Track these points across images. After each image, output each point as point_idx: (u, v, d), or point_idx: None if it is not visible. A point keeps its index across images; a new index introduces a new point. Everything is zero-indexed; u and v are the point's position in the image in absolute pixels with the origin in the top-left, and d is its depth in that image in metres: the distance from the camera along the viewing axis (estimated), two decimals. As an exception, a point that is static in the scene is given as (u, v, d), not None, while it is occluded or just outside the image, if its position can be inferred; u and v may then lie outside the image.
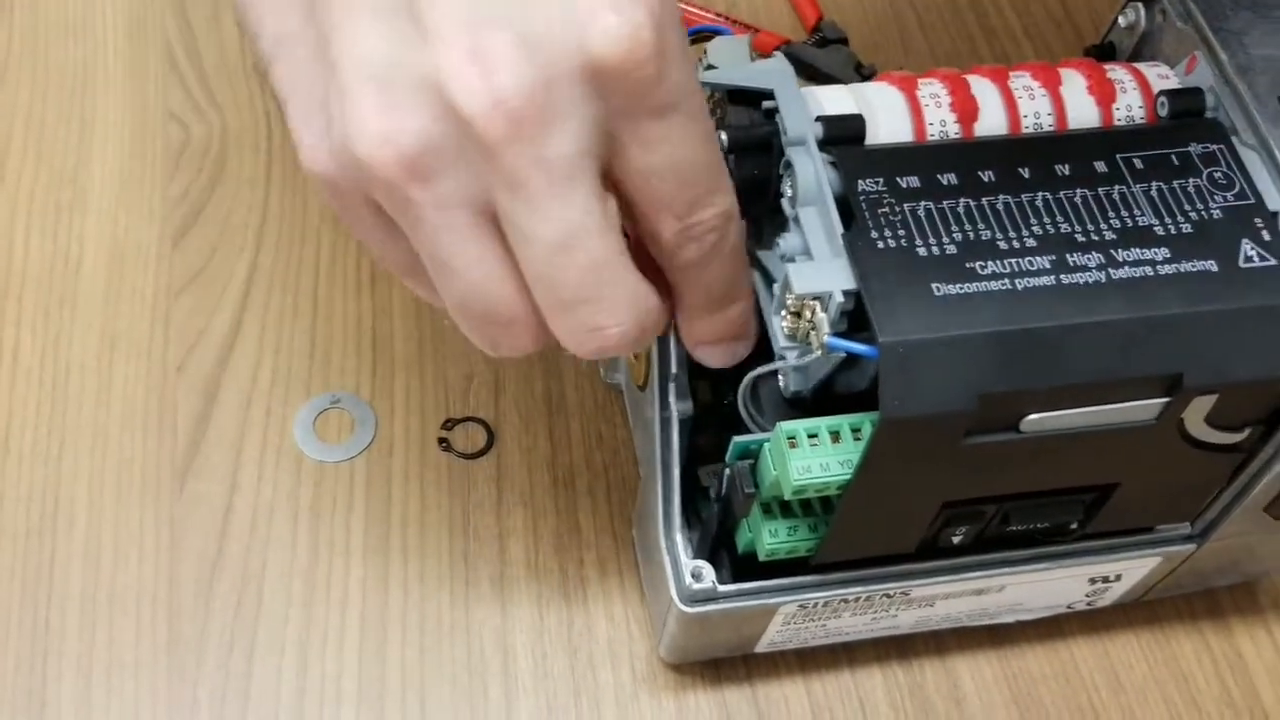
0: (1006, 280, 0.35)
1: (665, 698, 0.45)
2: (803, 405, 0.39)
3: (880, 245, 0.35)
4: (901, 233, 0.35)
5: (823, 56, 0.58)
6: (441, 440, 0.48)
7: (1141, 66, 0.40)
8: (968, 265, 0.35)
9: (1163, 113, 0.39)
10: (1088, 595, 0.45)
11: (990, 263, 0.35)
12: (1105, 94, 0.39)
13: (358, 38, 0.31)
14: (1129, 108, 0.39)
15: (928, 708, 0.45)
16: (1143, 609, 0.47)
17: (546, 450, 0.49)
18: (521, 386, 0.50)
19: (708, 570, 0.40)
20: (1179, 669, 0.47)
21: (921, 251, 0.35)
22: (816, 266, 0.35)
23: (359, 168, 0.31)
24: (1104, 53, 0.44)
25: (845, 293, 0.35)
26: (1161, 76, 0.40)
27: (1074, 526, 0.41)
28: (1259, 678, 0.47)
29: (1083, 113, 0.39)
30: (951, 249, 0.35)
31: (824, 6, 0.61)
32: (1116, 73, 0.40)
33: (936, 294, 0.34)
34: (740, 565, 0.41)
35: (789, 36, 0.60)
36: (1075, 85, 0.39)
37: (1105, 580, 0.44)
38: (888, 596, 0.42)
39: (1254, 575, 0.48)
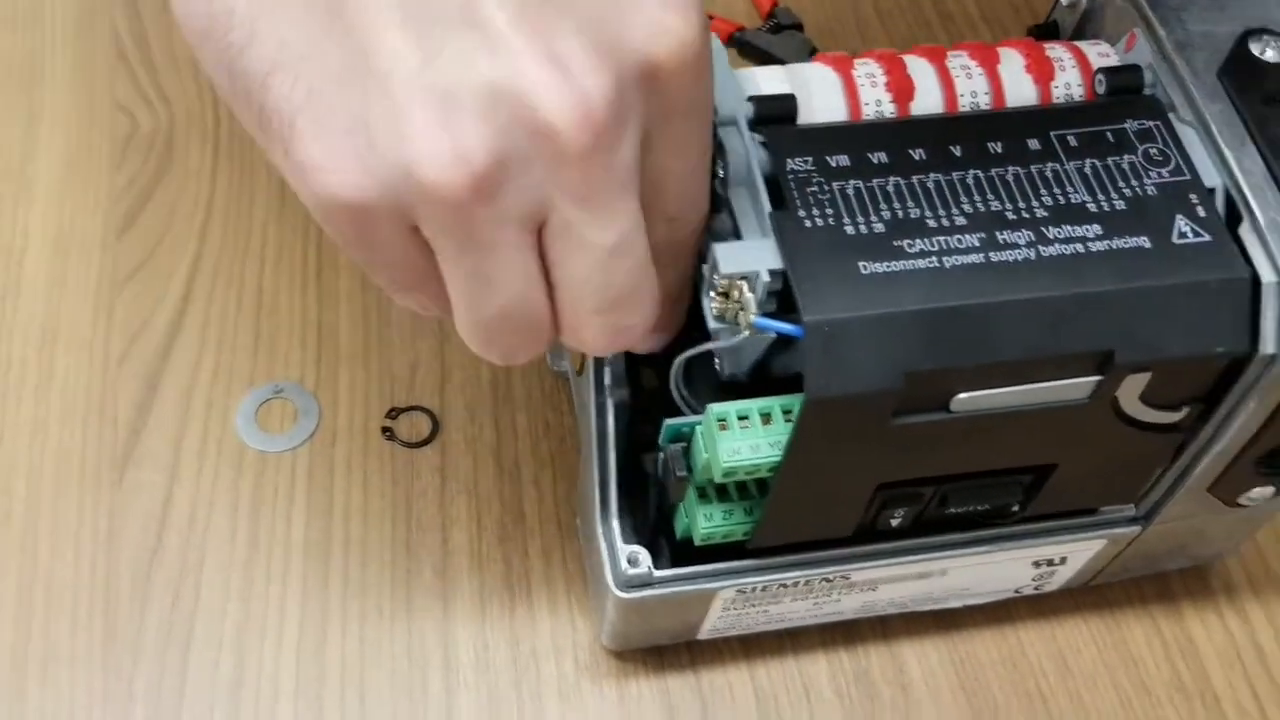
0: (934, 258, 0.34)
1: (608, 686, 0.44)
2: (740, 388, 0.39)
3: (808, 224, 0.34)
4: (830, 212, 0.35)
5: (777, 43, 0.58)
6: (385, 429, 0.48)
7: (1082, 45, 0.40)
8: (895, 244, 0.34)
9: (1100, 90, 0.39)
10: (1034, 579, 0.45)
11: (918, 241, 0.34)
12: (1044, 72, 0.39)
13: (406, 49, 0.28)
14: (1068, 86, 0.39)
15: (873, 693, 0.45)
16: (1092, 593, 0.47)
17: (492, 439, 0.48)
18: (468, 375, 0.50)
19: (644, 556, 0.40)
20: (1129, 653, 0.47)
21: (849, 230, 0.34)
22: (743, 246, 0.35)
23: (416, 191, 0.29)
24: (1047, 32, 0.43)
25: (772, 272, 0.34)
26: (1101, 55, 0.40)
27: (1014, 509, 0.41)
28: (1210, 661, 0.47)
29: (1021, 91, 0.39)
30: (880, 227, 0.35)
31: (779, -7, 0.61)
32: (1055, 51, 0.40)
33: (863, 272, 0.34)
34: (680, 551, 0.41)
35: (743, 23, 0.59)
36: (1013, 64, 0.39)
37: (1050, 564, 0.44)
38: (827, 581, 0.41)
39: (1205, 559, 0.48)
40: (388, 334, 0.50)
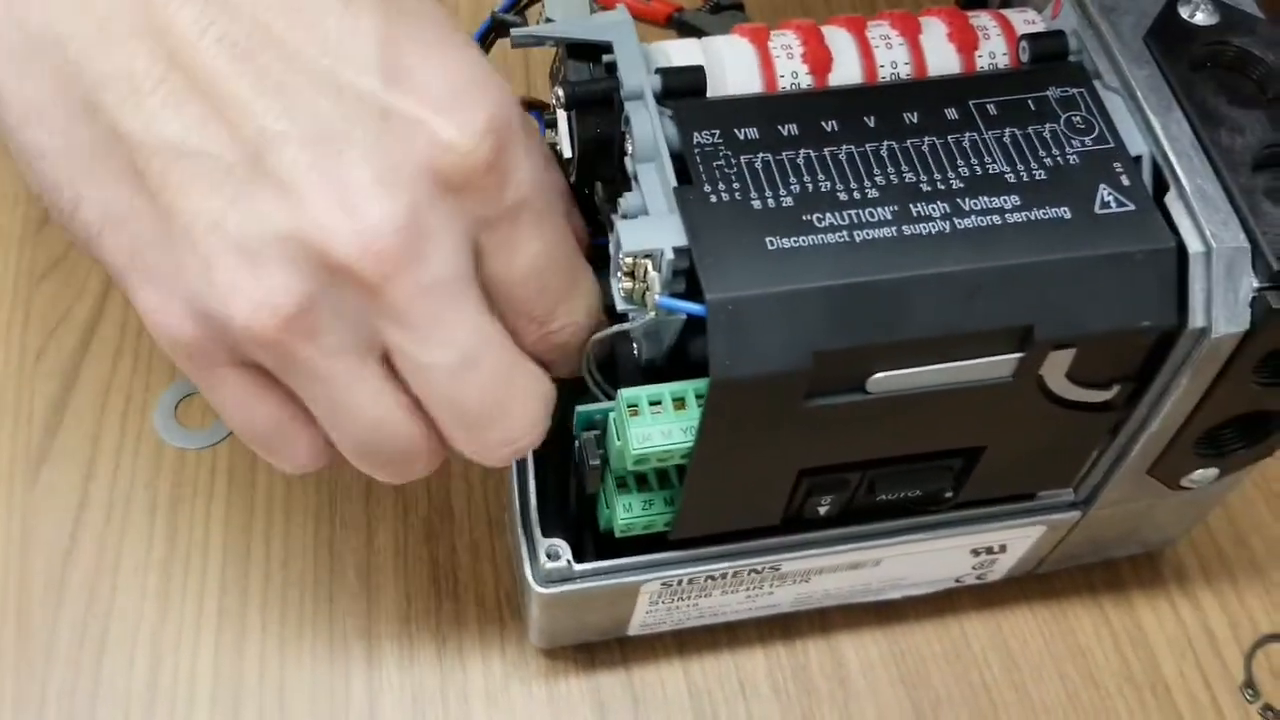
0: (845, 232, 0.33)
1: (536, 685, 0.43)
2: (661, 374, 0.37)
3: (713, 199, 0.33)
4: (736, 186, 0.33)
5: (716, 24, 0.56)
6: (310, 424, 0.47)
7: (1008, 12, 0.39)
8: (804, 218, 0.33)
9: (1024, 58, 0.37)
10: (975, 568, 0.43)
11: (828, 214, 0.33)
12: (967, 41, 0.38)
13: (205, 205, 0.30)
14: (992, 55, 0.38)
15: (810, 688, 0.43)
16: (1038, 582, 0.46)
17: (419, 432, 0.47)
18: (395, 367, 0.48)
19: (564, 549, 0.38)
20: (1076, 643, 0.45)
21: (756, 205, 0.33)
22: (647, 223, 0.33)
23: (234, 333, 0.30)
24: (975, 1, 0.42)
25: (676, 250, 0.33)
26: (1028, 22, 0.38)
27: (947, 495, 0.39)
28: (1160, 650, 0.45)
29: (943, 61, 0.37)
30: (789, 201, 0.33)
31: (722, -26, 0.60)
32: (980, 19, 0.38)
33: (770, 248, 0.32)
34: (605, 545, 0.40)
35: (681, 3, 0.58)
36: (935, 33, 0.38)
37: (990, 552, 0.42)
38: (756, 572, 0.40)
39: (1155, 545, 0.46)
40: (313, 326, 0.49)
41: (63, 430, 0.46)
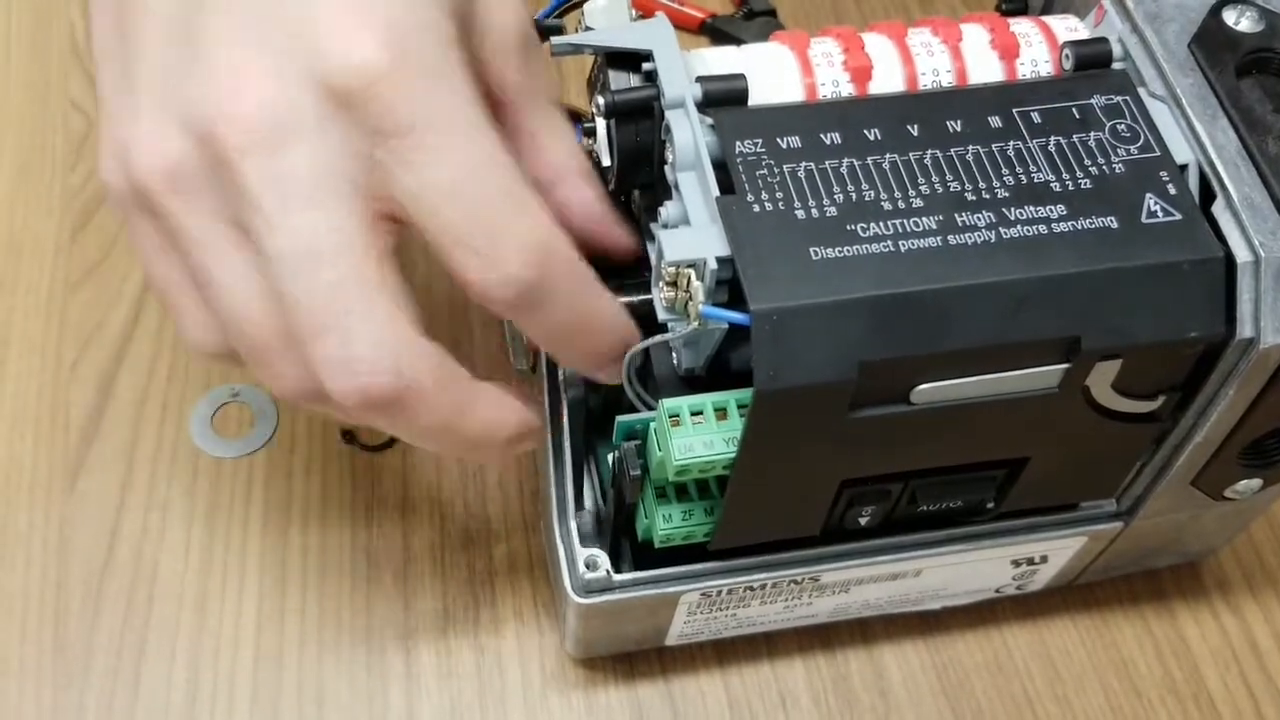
0: (889, 242, 0.32)
1: (575, 696, 0.43)
2: (700, 384, 0.37)
3: (756, 209, 0.33)
4: (779, 195, 0.33)
5: (749, 30, 0.56)
6: (345, 433, 0.47)
7: (1049, 19, 0.38)
8: (849, 228, 0.33)
9: (1067, 65, 0.37)
10: (1015, 579, 0.43)
11: (873, 224, 0.33)
12: (1009, 48, 0.37)
13: (150, 61, 0.33)
14: (1034, 62, 0.37)
15: (851, 699, 0.43)
16: (1080, 593, 0.45)
17: (455, 441, 0.47)
18: (431, 375, 0.48)
19: (603, 559, 0.38)
20: (1119, 655, 0.45)
21: (800, 214, 0.33)
22: (690, 233, 0.33)
23: (134, 181, 0.33)
24: (1016, 9, 0.42)
25: (719, 260, 0.32)
26: (1070, 29, 0.38)
27: (988, 506, 0.39)
28: (1204, 662, 0.45)
29: (985, 68, 0.37)
30: (832, 211, 0.33)
31: (755, -20, 0.60)
32: (1021, 26, 0.38)
33: (814, 258, 0.32)
34: (643, 555, 0.39)
35: (715, 10, 0.58)
36: (977, 41, 0.37)
37: (1031, 562, 0.42)
38: (795, 583, 0.40)
39: (1197, 555, 0.46)
40: (349, 334, 0.49)
41: (99, 439, 0.46)
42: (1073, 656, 0.45)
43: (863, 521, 0.38)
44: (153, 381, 0.47)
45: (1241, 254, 0.33)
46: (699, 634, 0.42)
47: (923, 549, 0.40)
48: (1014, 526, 0.40)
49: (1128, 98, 0.35)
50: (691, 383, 0.37)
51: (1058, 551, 0.42)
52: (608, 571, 0.38)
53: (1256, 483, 0.39)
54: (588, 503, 0.41)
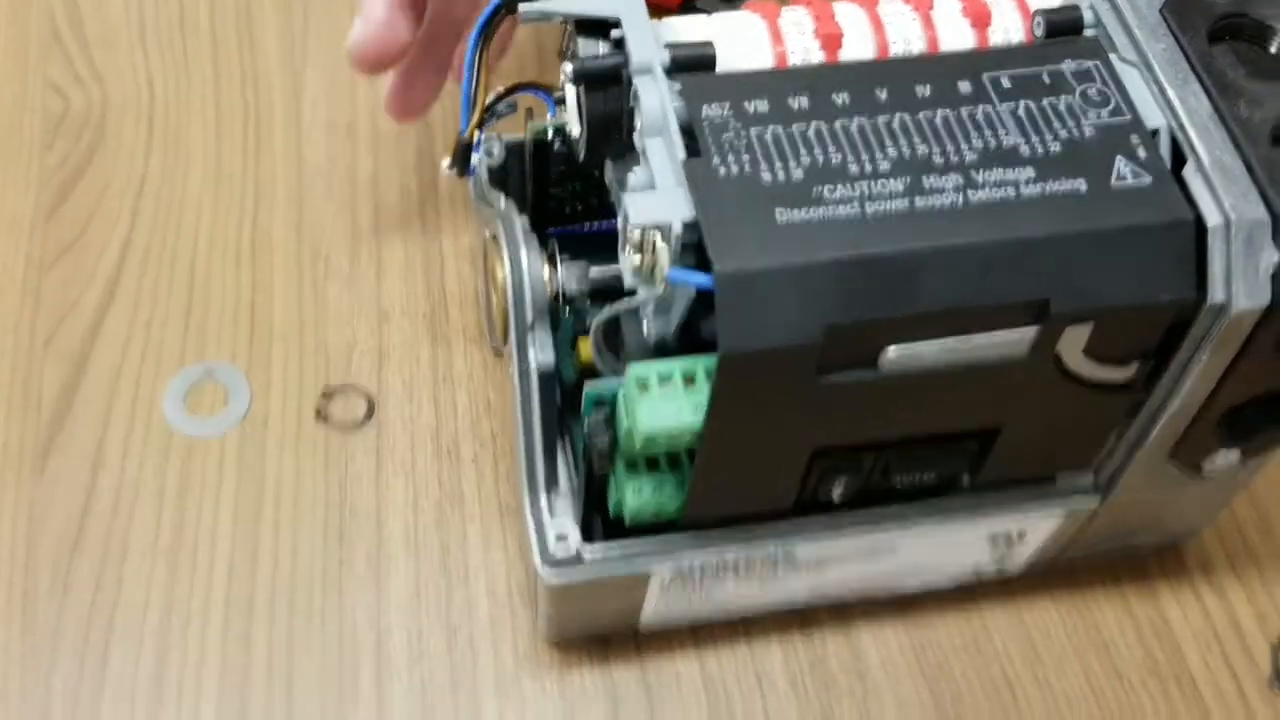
0: (855, 205, 0.32)
1: (548, 678, 0.42)
2: (671, 354, 0.37)
3: (722, 172, 0.33)
4: (746, 158, 0.33)
5: (726, 8, 0.55)
6: (319, 411, 0.46)
7: (1024, -12, 0.38)
8: (815, 191, 0.32)
9: (1039, 32, 0.36)
10: (994, 558, 0.43)
11: (839, 187, 0.32)
12: (980, 16, 0.37)
13: None
14: (1006, 30, 0.37)
15: (829, 682, 0.43)
16: (1061, 575, 0.45)
17: (431, 419, 0.46)
18: (406, 355, 0.48)
19: (573, 533, 0.38)
20: (1100, 637, 0.44)
21: (766, 178, 0.32)
22: (655, 196, 0.33)
23: None
24: (991, -20, 0.41)
25: (685, 224, 0.32)
26: (1044, -2, 0.38)
27: (963, 478, 0.39)
28: (1186, 644, 0.44)
29: (956, 36, 0.37)
30: (799, 174, 0.33)
31: (738, -36, 0.59)
32: (996, -6, 0.38)
33: (780, 221, 0.32)
34: (616, 531, 0.39)
35: (696, -9, 0.57)
36: (948, 8, 0.37)
37: (1009, 540, 0.42)
38: (770, 559, 0.39)
39: (1179, 535, 0.45)
40: (324, 313, 0.48)
41: (71, 418, 0.46)
42: (1053, 638, 0.44)
43: (836, 494, 0.38)
44: (126, 360, 0.47)
45: (1212, 217, 0.33)
46: (675, 615, 0.41)
47: (898, 521, 0.39)
48: (988, 500, 0.40)
49: (1099, 63, 0.35)
50: (663, 353, 0.37)
51: (1036, 527, 0.41)
52: (577, 546, 0.38)
53: (1234, 455, 0.39)
54: (563, 482, 0.40)
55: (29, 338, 0.47)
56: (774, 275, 0.31)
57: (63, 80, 0.54)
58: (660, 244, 0.32)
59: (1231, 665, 0.44)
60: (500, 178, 0.43)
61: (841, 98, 0.34)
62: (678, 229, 0.32)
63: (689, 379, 0.34)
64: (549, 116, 0.43)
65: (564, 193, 0.45)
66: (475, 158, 0.42)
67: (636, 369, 0.34)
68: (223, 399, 0.46)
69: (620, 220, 0.33)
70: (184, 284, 0.49)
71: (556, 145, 0.44)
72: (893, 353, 0.33)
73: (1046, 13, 0.36)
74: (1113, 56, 0.35)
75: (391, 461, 0.46)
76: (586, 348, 0.40)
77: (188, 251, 0.49)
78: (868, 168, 0.33)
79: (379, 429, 0.46)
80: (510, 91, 0.42)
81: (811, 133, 0.33)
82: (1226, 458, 0.39)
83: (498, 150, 0.43)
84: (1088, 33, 0.36)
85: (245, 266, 0.49)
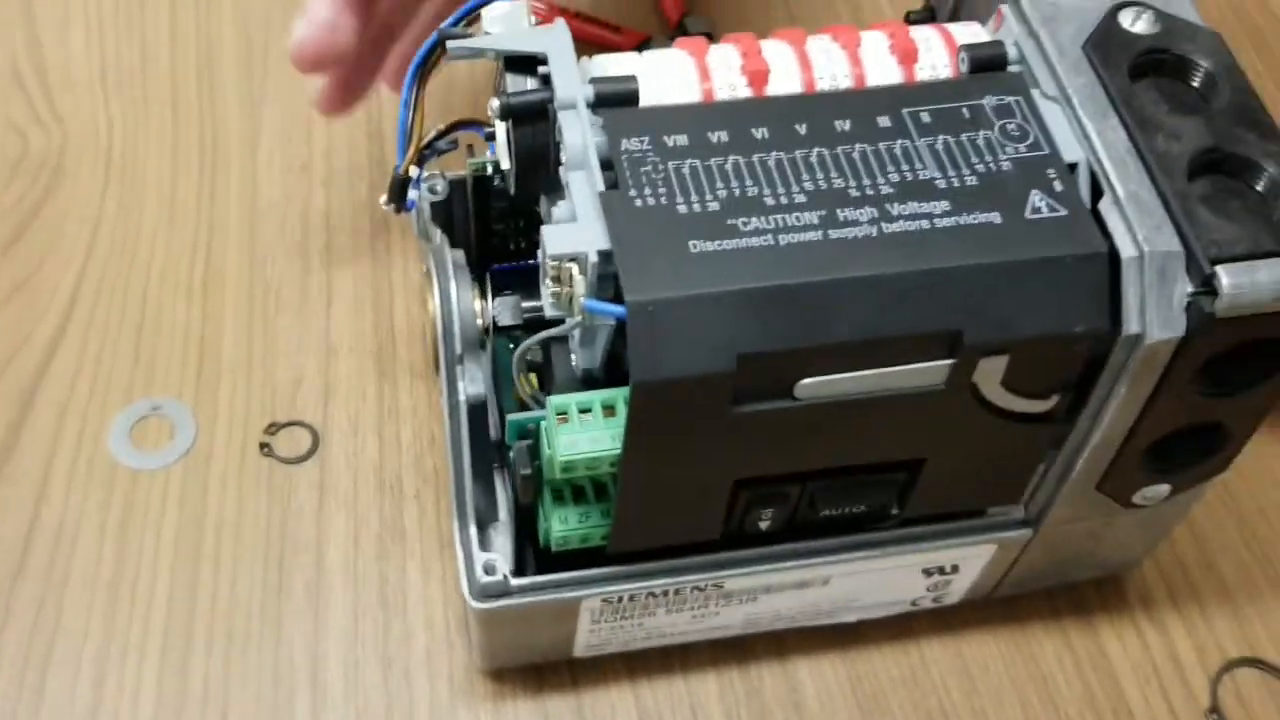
0: (770, 236, 0.33)
1: (483, 709, 0.42)
2: (598, 386, 0.37)
3: (639, 204, 0.33)
4: (663, 191, 0.33)
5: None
6: (264, 445, 0.46)
7: (951, 26, 0.39)
8: (729, 222, 0.33)
9: (963, 68, 0.37)
10: (929, 589, 0.43)
11: (754, 219, 0.33)
12: (908, 53, 0.37)
13: None
14: (933, 66, 0.38)
15: (764, 714, 0.43)
16: (1000, 607, 0.45)
17: (374, 454, 0.47)
18: (352, 390, 0.48)
19: (500, 563, 0.38)
20: (1038, 669, 0.44)
21: (682, 209, 0.33)
22: (571, 228, 0.33)
23: None
24: (923, 19, 0.42)
25: (601, 254, 0.33)
26: (971, 35, 0.38)
27: (892, 511, 0.39)
28: (1125, 677, 0.44)
29: (884, 73, 0.37)
30: (714, 206, 0.33)
31: (693, 3, 0.60)
32: (922, 32, 0.38)
33: (693, 251, 0.32)
34: (549, 563, 0.39)
35: (649, 33, 0.58)
36: (876, 46, 0.38)
37: (943, 571, 0.42)
38: (699, 590, 0.39)
39: (1117, 567, 0.45)
40: (272, 349, 0.49)
41: (17, 452, 0.46)
42: (991, 670, 0.44)
43: (764, 525, 0.38)
44: (74, 396, 0.47)
45: (1126, 249, 0.33)
46: (608, 644, 0.42)
47: (827, 555, 0.39)
48: (920, 533, 0.40)
49: (1019, 98, 0.36)
50: (590, 385, 0.37)
51: (968, 560, 0.41)
52: (505, 575, 0.38)
53: (1164, 489, 0.39)
54: (502, 514, 0.41)
55: (-22, 372, 0.48)
56: (686, 304, 0.31)
57: (24, 122, 0.54)
58: (577, 275, 0.33)
59: (1170, 699, 0.44)
60: (444, 214, 0.44)
61: (761, 132, 0.35)
62: (593, 259, 0.33)
63: (608, 409, 0.35)
64: (489, 153, 0.43)
65: (507, 229, 0.46)
66: (414, 193, 0.42)
67: (556, 400, 0.34)
68: (168, 433, 0.47)
69: (540, 252, 0.34)
70: (134, 319, 0.49)
71: (497, 181, 0.44)
72: (809, 383, 0.33)
73: (971, 48, 0.37)
74: (1034, 92, 0.36)
75: (334, 496, 0.46)
76: (527, 383, 0.40)
77: (139, 287, 0.50)
78: (783, 200, 0.33)
79: (323, 464, 0.46)
80: (450, 129, 0.43)
81: (729, 166, 0.34)
82: (1156, 491, 0.39)
83: (441, 187, 0.44)
84: (1012, 68, 0.37)
85: (196, 302, 0.50)
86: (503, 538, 0.40)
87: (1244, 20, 0.62)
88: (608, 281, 0.33)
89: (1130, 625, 0.45)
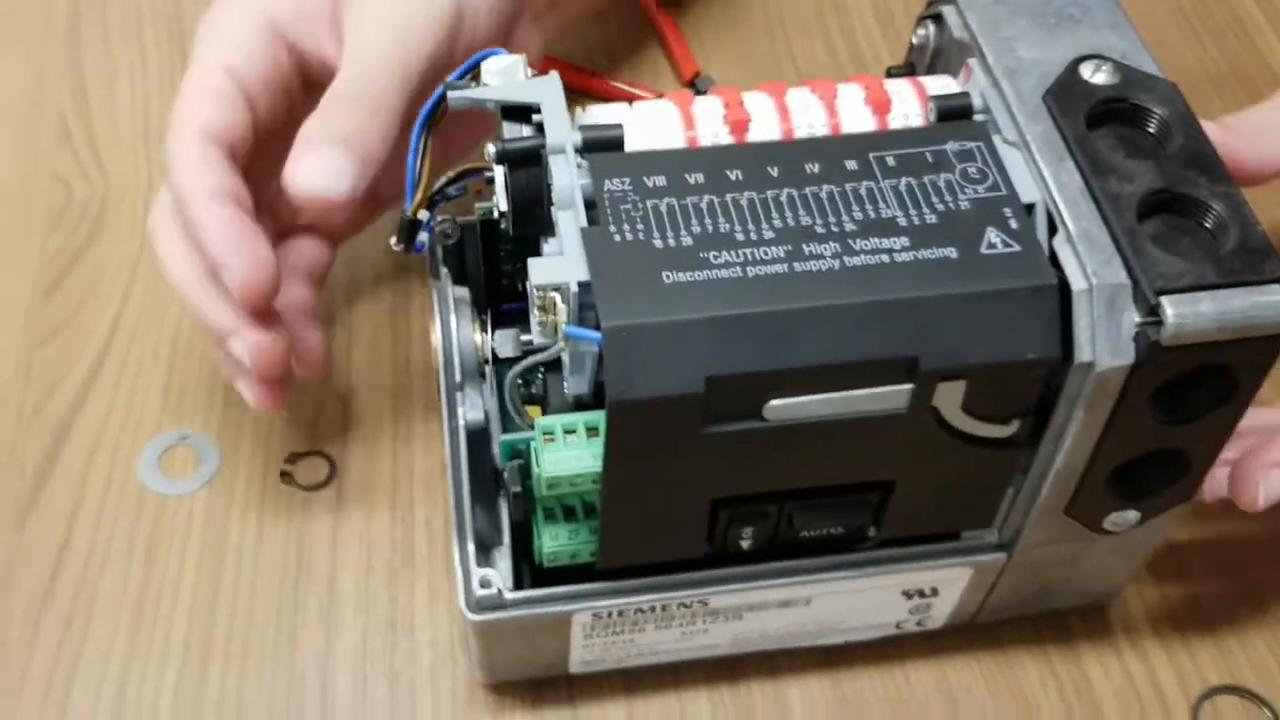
0: (739, 269, 0.35)
1: (483, 721, 0.44)
2: (588, 410, 0.39)
3: (618, 239, 0.36)
4: (640, 227, 0.36)
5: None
6: (284, 474, 0.49)
7: (925, 79, 0.41)
8: (701, 255, 0.35)
9: (932, 118, 0.39)
10: (912, 612, 0.44)
11: (725, 253, 0.35)
12: (881, 104, 0.40)
13: None
14: (906, 116, 0.40)
15: (753, 731, 0.45)
16: (985, 632, 0.47)
17: (388, 482, 0.49)
18: (369, 419, 0.51)
19: (495, 577, 0.40)
20: (1020, 694, 0.46)
21: (658, 244, 0.35)
22: (554, 261, 0.36)
23: None
24: (902, 73, 0.44)
25: (581, 284, 0.35)
26: (943, 86, 0.41)
27: (870, 531, 0.41)
28: (1106, 702, 0.46)
29: (858, 123, 0.40)
30: (688, 241, 0.36)
31: (706, 60, 0.63)
32: (896, 84, 0.41)
33: (666, 281, 0.35)
34: (545, 579, 0.41)
35: (661, 91, 0.61)
36: (851, 97, 0.40)
37: (923, 594, 0.44)
38: (686, 606, 0.41)
39: (1098, 595, 0.47)
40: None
41: (51, 481, 0.49)
42: (974, 694, 0.46)
43: (744, 544, 0.40)
44: (107, 426, 0.50)
45: (1077, 282, 0.35)
46: (602, 661, 0.44)
47: (807, 574, 0.41)
48: (895, 555, 0.42)
49: (981, 144, 0.38)
50: (582, 410, 0.40)
51: (946, 583, 0.43)
52: (500, 589, 0.40)
53: (1133, 515, 0.41)
54: (505, 539, 0.43)
55: (18, 407, 0.51)
56: (658, 330, 0.34)
57: (69, 173, 0.58)
58: (560, 303, 0.35)
59: (1150, 726, 0.45)
60: (457, 257, 0.46)
61: (735, 174, 0.37)
62: (573, 288, 0.35)
63: (592, 430, 0.37)
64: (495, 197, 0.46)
65: (515, 270, 0.49)
66: (423, 236, 0.45)
67: (543, 421, 0.37)
68: (195, 462, 0.49)
69: (527, 282, 0.37)
70: (166, 359, 0.52)
71: (503, 224, 0.47)
72: (776, 405, 0.35)
73: (939, 99, 0.39)
74: (996, 138, 0.38)
75: (348, 522, 0.48)
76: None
77: (171, 330, 0.53)
78: (753, 235, 0.36)
79: (339, 491, 0.49)
80: (459, 177, 0.46)
81: (704, 204, 0.36)
82: (1124, 516, 0.41)
83: (453, 231, 0.46)
84: (978, 117, 0.39)
85: (224, 341, 0.53)
86: (504, 560, 0.42)
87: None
88: (590, 310, 0.36)
89: (1113, 653, 0.47)
